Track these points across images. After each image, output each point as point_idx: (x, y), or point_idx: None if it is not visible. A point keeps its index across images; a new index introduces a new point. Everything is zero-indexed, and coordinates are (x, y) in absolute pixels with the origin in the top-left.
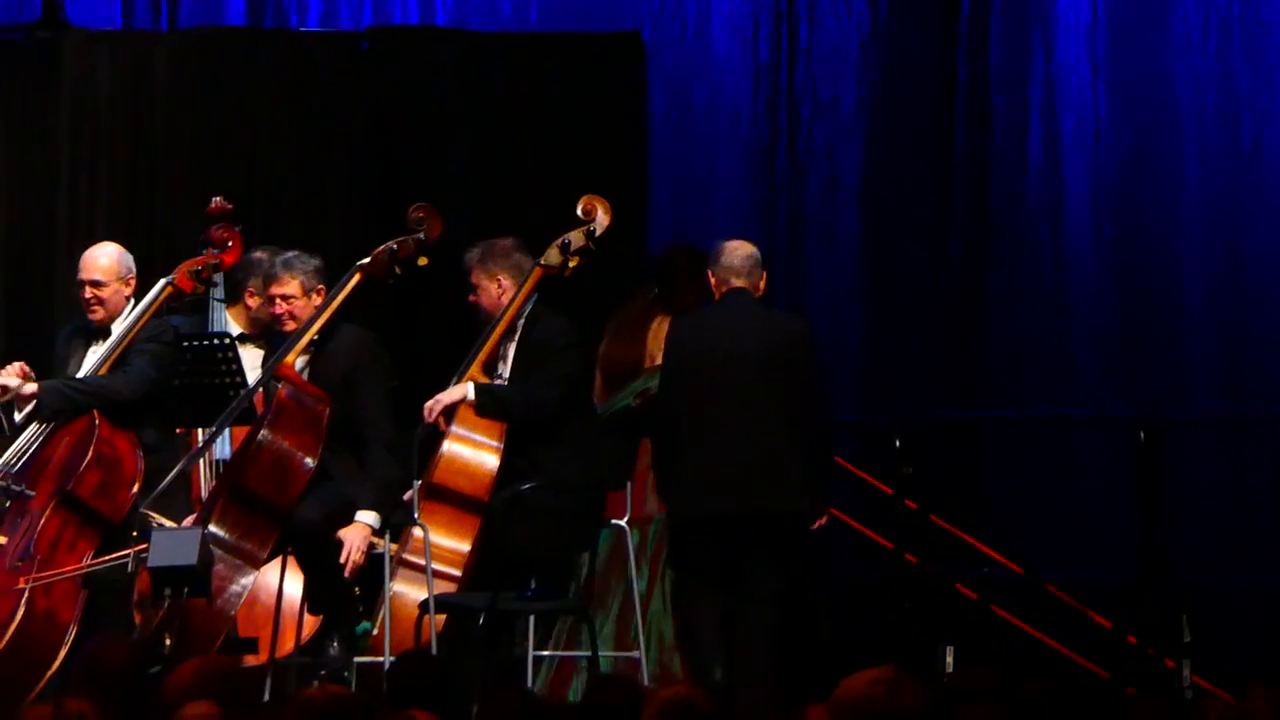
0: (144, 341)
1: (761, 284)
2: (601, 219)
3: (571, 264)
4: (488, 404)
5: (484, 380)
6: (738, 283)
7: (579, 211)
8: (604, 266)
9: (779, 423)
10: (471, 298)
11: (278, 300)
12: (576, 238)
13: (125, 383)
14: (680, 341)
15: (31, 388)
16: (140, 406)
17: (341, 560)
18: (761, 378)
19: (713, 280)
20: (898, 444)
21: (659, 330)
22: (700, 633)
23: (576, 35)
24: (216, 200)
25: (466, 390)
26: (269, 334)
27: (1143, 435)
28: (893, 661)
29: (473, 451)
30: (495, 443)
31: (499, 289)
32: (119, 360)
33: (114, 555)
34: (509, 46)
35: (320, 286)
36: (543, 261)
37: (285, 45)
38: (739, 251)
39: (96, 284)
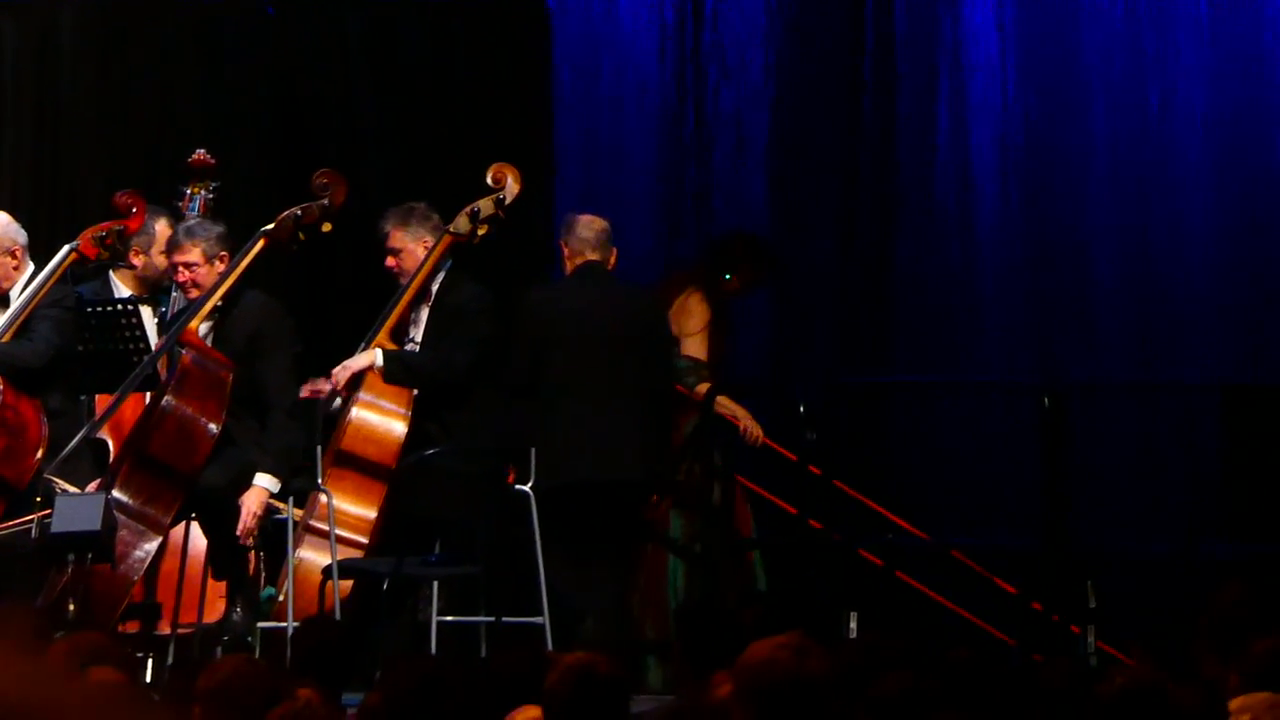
0: (47, 308)
1: (613, 259)
2: (511, 187)
3: (480, 232)
4: (396, 371)
5: (392, 347)
6: (592, 256)
7: (489, 179)
8: (511, 232)
9: (634, 394)
10: (391, 260)
11: (180, 268)
12: (486, 205)
13: (31, 350)
14: (536, 313)
15: None
16: (45, 372)
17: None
18: (618, 350)
19: (566, 252)
20: (802, 409)
21: (684, 304)
22: (570, 596)
23: (481, 2)
24: (199, 153)
25: (375, 356)
26: (157, 293)
27: (1047, 400)
28: (797, 627)
29: (380, 418)
30: (403, 410)
31: (424, 251)
32: (23, 327)
33: (18, 521)
34: (414, 12)
35: (223, 253)
36: (451, 229)
37: (191, 11)
38: (593, 226)
39: None
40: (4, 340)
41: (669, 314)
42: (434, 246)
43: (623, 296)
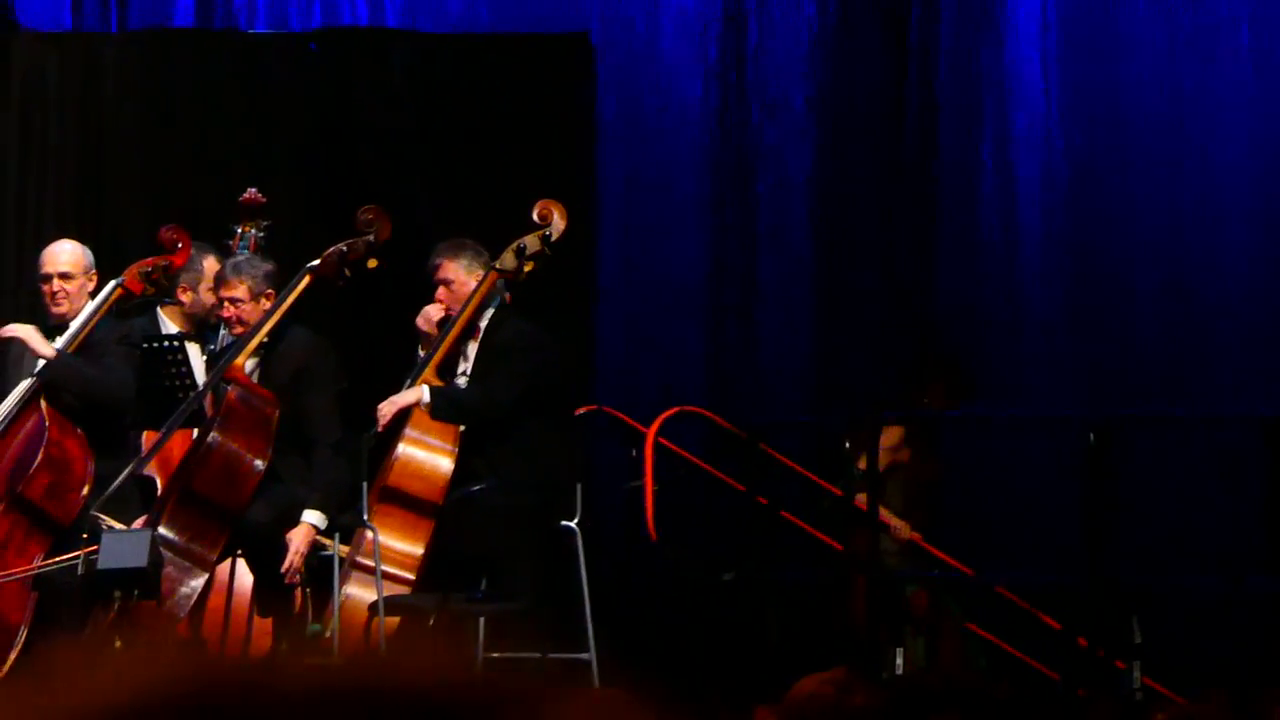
0: (115, 343)
1: None
2: (558, 224)
3: (526, 269)
4: (443, 406)
5: (439, 383)
6: None
7: (535, 216)
8: (554, 267)
9: None
10: (442, 292)
11: (225, 303)
12: (532, 242)
13: (122, 386)
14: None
15: (49, 350)
16: (96, 409)
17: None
18: None
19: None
20: (847, 445)
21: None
22: None
23: (525, 36)
24: (250, 191)
25: (421, 393)
26: (204, 330)
27: (1092, 435)
28: (842, 663)
29: (427, 454)
30: (450, 446)
31: (475, 284)
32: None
33: (64, 557)
34: (458, 48)
35: (269, 290)
36: (498, 265)
37: (234, 46)
38: None
39: (65, 276)
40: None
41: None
42: (481, 282)
43: None
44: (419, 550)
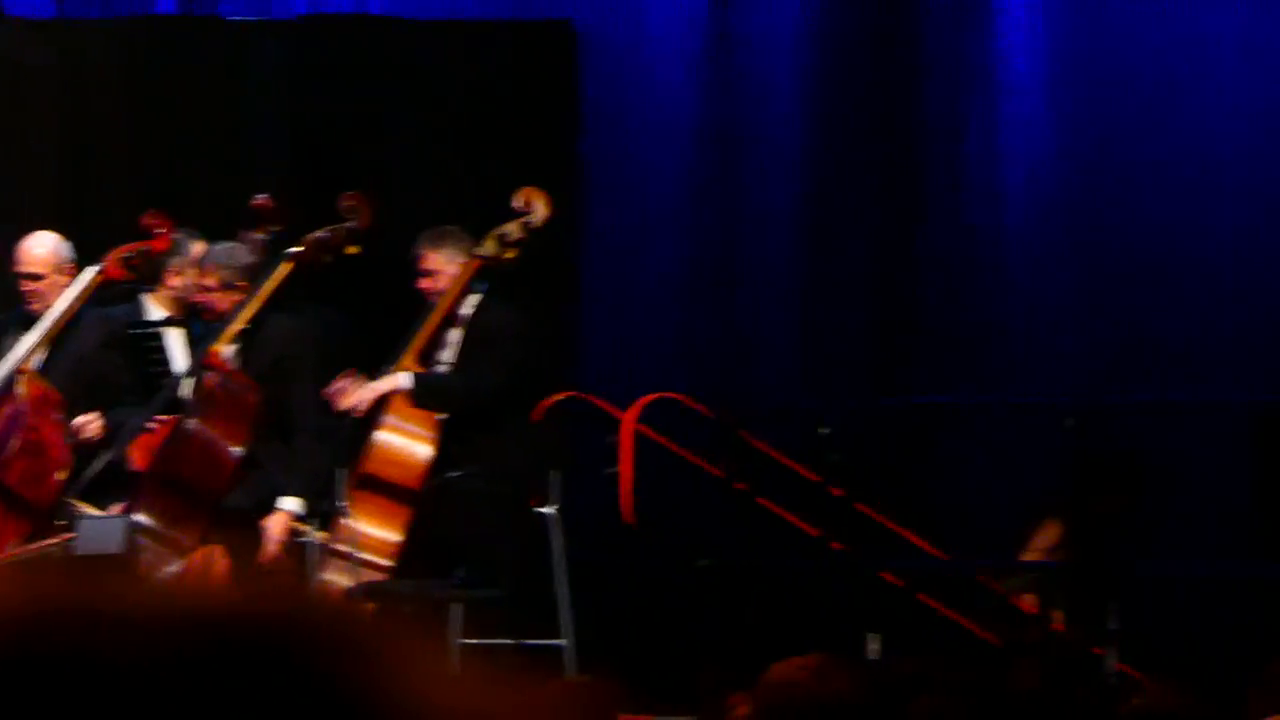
0: (99, 349)
1: None
2: (540, 211)
3: (508, 256)
4: (425, 394)
5: (418, 369)
6: None
7: (518, 203)
8: (537, 254)
9: None
10: (425, 282)
11: (198, 289)
12: (514, 230)
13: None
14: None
15: None
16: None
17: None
18: None
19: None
20: (824, 431)
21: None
22: None
23: (509, 23)
24: (262, 197)
25: (401, 380)
26: (190, 315)
27: (1070, 421)
28: (819, 649)
29: (405, 441)
30: (429, 433)
31: (458, 271)
32: (52, 346)
33: (41, 544)
34: (442, 35)
35: (241, 283)
36: (479, 252)
37: (217, 33)
38: None
39: (34, 276)
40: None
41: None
42: (462, 269)
43: None
44: (396, 537)
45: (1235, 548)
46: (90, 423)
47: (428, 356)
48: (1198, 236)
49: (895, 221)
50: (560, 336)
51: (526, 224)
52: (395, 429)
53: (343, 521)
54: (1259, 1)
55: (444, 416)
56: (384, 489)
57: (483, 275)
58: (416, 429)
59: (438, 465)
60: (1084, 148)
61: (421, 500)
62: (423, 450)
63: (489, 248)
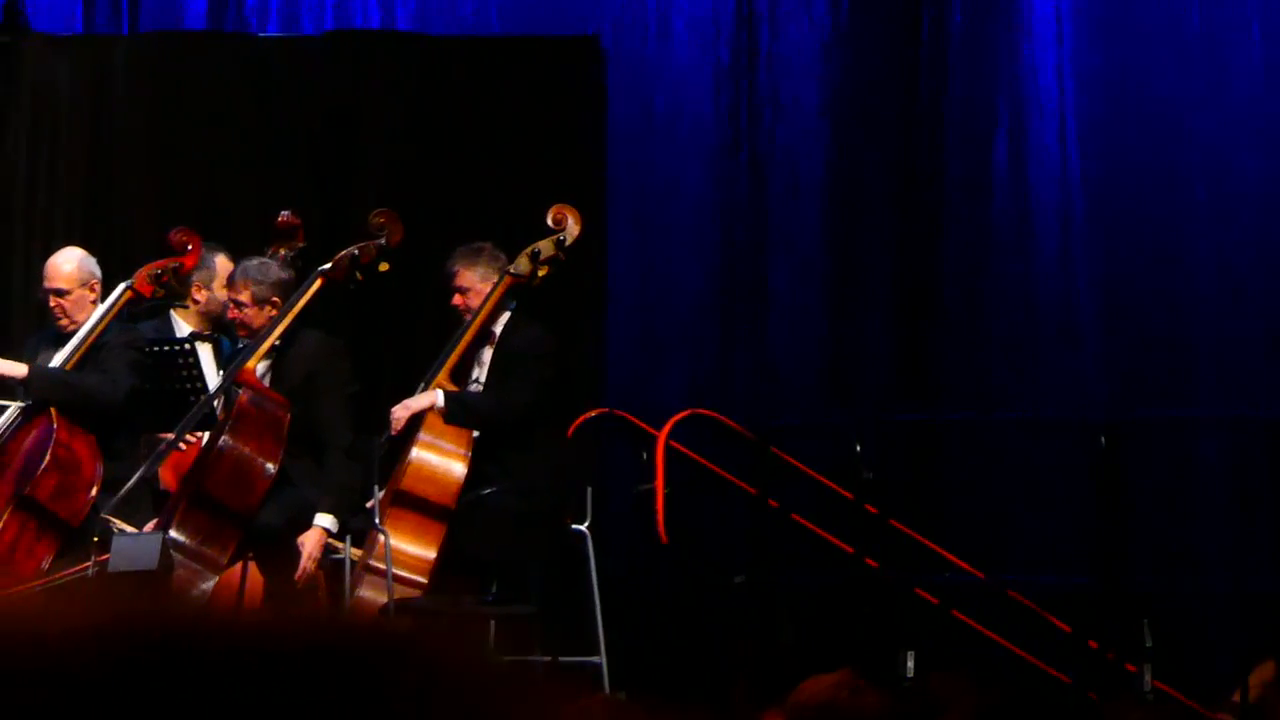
0: (121, 348)
1: None
2: (572, 228)
3: (541, 273)
4: (456, 411)
5: (452, 388)
6: None
7: (549, 220)
8: (566, 271)
9: None
10: (457, 299)
11: (231, 304)
12: (546, 247)
13: (113, 389)
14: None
15: (19, 370)
16: (118, 412)
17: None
18: None
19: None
20: (858, 447)
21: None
22: None
23: (536, 39)
24: (285, 214)
25: (435, 397)
26: (218, 329)
27: (1103, 438)
28: (852, 665)
29: (440, 459)
30: (463, 450)
31: (490, 289)
32: (82, 363)
33: (79, 567)
34: (469, 51)
35: (276, 298)
36: (512, 270)
37: (245, 49)
38: None
39: (60, 292)
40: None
41: None
42: (494, 287)
43: None
44: (431, 554)
45: (1261, 564)
46: None
47: (462, 375)
48: (1219, 253)
49: (921, 237)
50: (589, 353)
51: (559, 241)
52: (430, 446)
53: (379, 538)
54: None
55: (477, 434)
56: (419, 506)
57: (514, 293)
58: (451, 446)
59: (471, 483)
60: (1110, 162)
61: (455, 517)
62: (457, 467)
63: (522, 265)
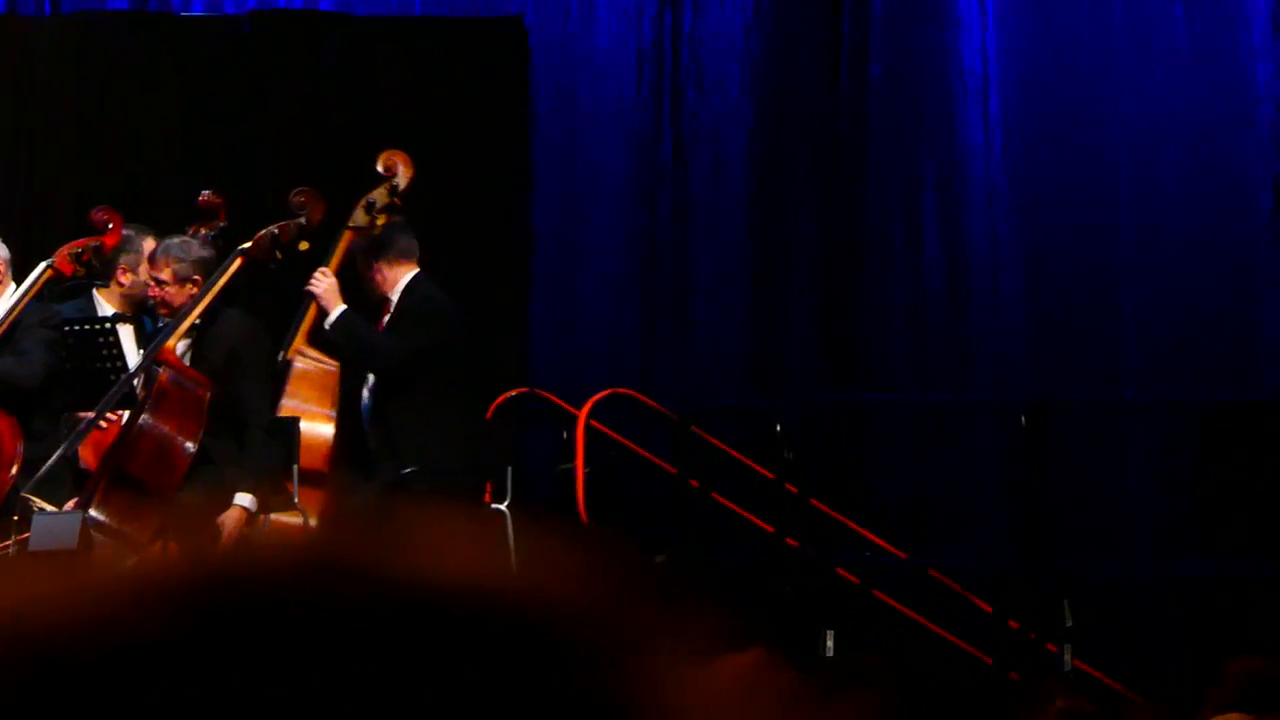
0: (36, 327)
1: None
2: (403, 174)
3: (380, 221)
4: (341, 328)
5: (313, 352)
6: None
7: (379, 168)
8: (487, 250)
9: None
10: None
11: (152, 283)
12: (380, 195)
13: (28, 370)
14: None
15: None
16: (36, 392)
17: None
18: None
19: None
20: (778, 428)
21: None
22: None
23: (459, 20)
24: (206, 194)
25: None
26: (141, 311)
27: (1024, 419)
28: (770, 644)
29: (307, 424)
30: (328, 410)
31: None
32: (3, 345)
33: None
34: (392, 31)
35: (196, 276)
36: (351, 224)
37: (168, 29)
38: None
39: None
40: None
41: None
42: (335, 246)
43: None
44: (314, 522)
45: (1185, 545)
46: None
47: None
48: (1144, 235)
49: (844, 219)
50: (512, 333)
51: (393, 188)
52: (294, 412)
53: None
54: (1201, 8)
55: (370, 399)
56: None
57: (355, 244)
58: (315, 409)
59: (390, 462)
60: (1034, 143)
61: (330, 482)
62: (324, 429)
63: (358, 218)
